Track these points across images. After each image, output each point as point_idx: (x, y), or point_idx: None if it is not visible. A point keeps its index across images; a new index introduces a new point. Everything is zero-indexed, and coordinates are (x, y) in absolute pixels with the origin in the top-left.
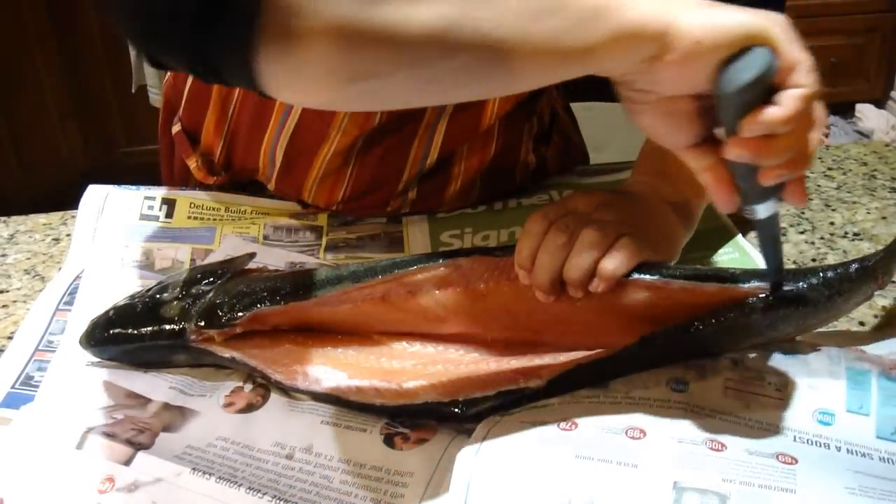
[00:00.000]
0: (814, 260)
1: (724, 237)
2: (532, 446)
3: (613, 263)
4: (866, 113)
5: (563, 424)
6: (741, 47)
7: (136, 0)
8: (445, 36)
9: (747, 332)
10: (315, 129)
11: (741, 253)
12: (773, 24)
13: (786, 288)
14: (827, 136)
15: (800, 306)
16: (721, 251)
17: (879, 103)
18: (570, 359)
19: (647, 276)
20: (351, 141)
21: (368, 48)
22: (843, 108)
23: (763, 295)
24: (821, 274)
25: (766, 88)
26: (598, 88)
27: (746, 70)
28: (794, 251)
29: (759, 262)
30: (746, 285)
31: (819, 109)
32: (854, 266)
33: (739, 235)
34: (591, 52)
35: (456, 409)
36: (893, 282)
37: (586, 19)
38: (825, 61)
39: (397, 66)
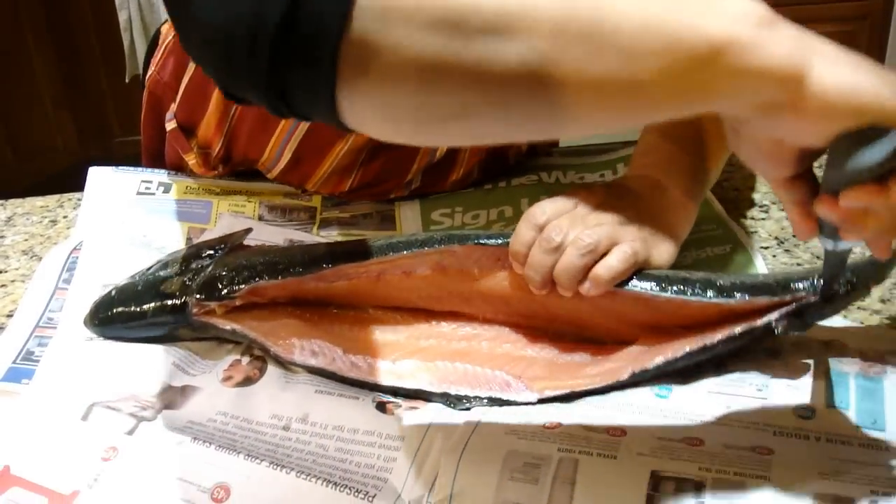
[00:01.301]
0: (794, 235)
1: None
2: (515, 443)
3: (607, 272)
4: None
5: (547, 425)
6: (873, 123)
7: (214, 35)
8: (539, 73)
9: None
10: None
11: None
12: None
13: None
14: None
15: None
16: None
17: None
18: (564, 385)
19: (640, 287)
20: (367, 138)
21: (455, 87)
22: None
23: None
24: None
25: (885, 167)
26: None
27: (871, 151)
28: (776, 228)
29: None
30: (737, 299)
31: None
32: (847, 283)
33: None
34: (706, 95)
35: (446, 401)
36: None
37: (704, 59)
38: None
39: (487, 105)
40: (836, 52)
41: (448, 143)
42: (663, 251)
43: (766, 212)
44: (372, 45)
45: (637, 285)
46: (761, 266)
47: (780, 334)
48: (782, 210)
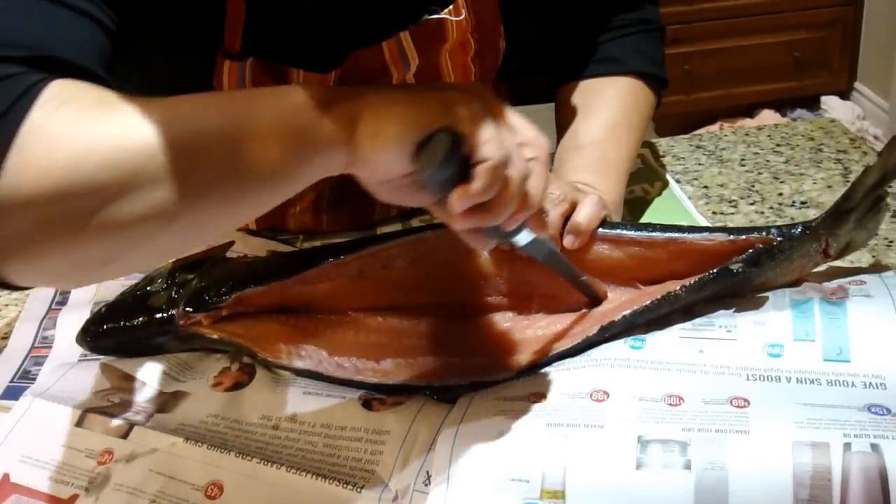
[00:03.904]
0: None
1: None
2: (506, 423)
3: (586, 218)
4: (832, 105)
5: (532, 398)
6: (426, 135)
7: None
8: (161, 216)
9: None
10: None
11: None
12: (447, 105)
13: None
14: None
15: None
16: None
17: (844, 95)
18: (537, 354)
19: (615, 230)
20: (317, 193)
21: (97, 246)
22: (808, 102)
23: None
24: (765, 233)
25: (457, 166)
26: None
27: (430, 158)
28: (745, 220)
29: (687, 205)
30: (703, 236)
31: (518, 166)
32: (798, 225)
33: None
34: (297, 179)
35: (430, 393)
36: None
37: (284, 160)
38: (789, 56)
39: (125, 249)
40: (373, 102)
41: (112, 277)
42: (611, 209)
43: (735, 206)
44: (12, 238)
45: (609, 228)
46: (690, 207)
47: (737, 279)
48: (751, 204)
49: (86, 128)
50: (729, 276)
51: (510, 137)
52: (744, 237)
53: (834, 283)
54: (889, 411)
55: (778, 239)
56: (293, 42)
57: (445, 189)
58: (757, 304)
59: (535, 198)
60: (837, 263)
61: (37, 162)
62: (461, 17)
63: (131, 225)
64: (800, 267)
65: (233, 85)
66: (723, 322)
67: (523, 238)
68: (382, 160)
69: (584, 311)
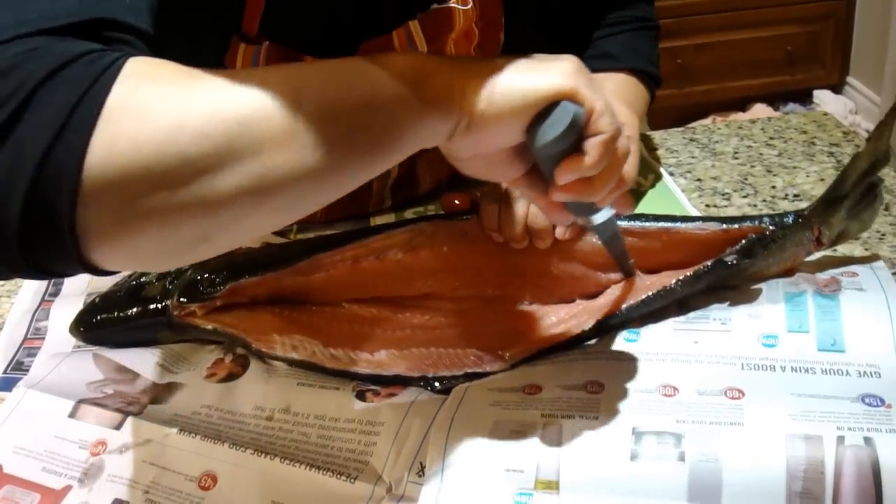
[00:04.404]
0: None
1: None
2: (500, 414)
3: None
4: (824, 99)
5: (527, 389)
6: (545, 105)
7: None
8: (258, 190)
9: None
10: None
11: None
12: (568, 75)
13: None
14: None
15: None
16: None
17: (836, 88)
18: (532, 346)
19: (620, 221)
20: None
21: (191, 225)
22: (801, 96)
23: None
24: (757, 222)
25: (575, 137)
26: None
27: (552, 126)
28: (738, 213)
29: (680, 198)
30: (696, 225)
31: (623, 143)
32: (790, 214)
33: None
34: (399, 150)
35: (424, 384)
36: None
37: (386, 127)
38: (782, 49)
39: (220, 227)
40: (481, 70)
41: (197, 259)
42: None
43: (728, 199)
44: (102, 220)
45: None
46: (683, 200)
47: (731, 271)
48: (744, 197)
49: (176, 99)
50: (723, 268)
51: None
52: (737, 226)
53: (827, 275)
54: (882, 402)
55: (770, 228)
56: (309, 29)
57: (554, 161)
58: (751, 298)
59: (630, 176)
60: (830, 254)
61: (126, 136)
62: (468, 7)
63: (228, 200)
64: (793, 255)
65: (247, 68)
66: (717, 315)
67: (602, 216)
68: (495, 129)
69: (578, 303)
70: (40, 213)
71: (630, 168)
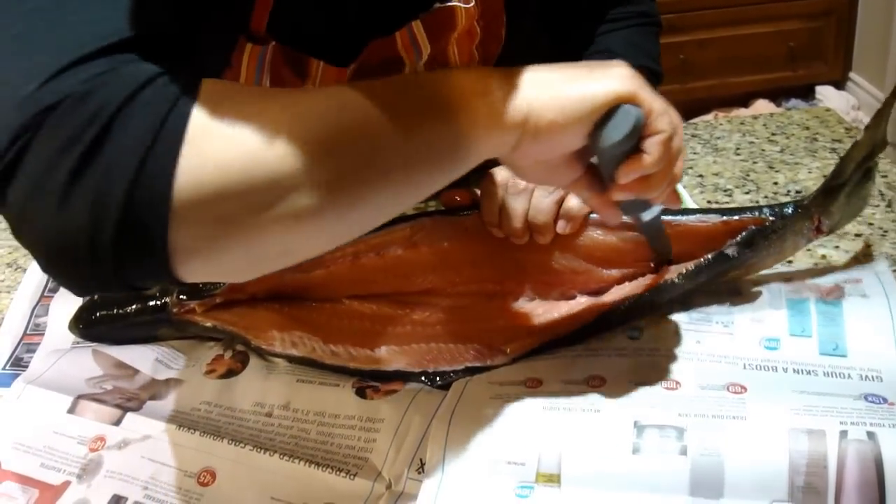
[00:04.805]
0: None
1: None
2: (501, 407)
3: (577, 203)
4: (827, 94)
5: (528, 383)
6: (607, 109)
7: (57, 250)
8: (341, 206)
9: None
10: None
11: None
12: (627, 80)
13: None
14: None
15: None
16: None
17: (839, 84)
18: (534, 341)
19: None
20: None
21: (276, 240)
22: (803, 91)
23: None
24: (757, 213)
25: (636, 139)
26: None
27: (615, 130)
28: None
29: (682, 194)
30: (697, 217)
31: (677, 141)
32: (790, 204)
33: None
34: (465, 163)
35: (425, 379)
36: (834, 233)
37: (454, 143)
38: (784, 45)
39: (303, 241)
40: (542, 80)
41: (280, 268)
42: None
43: (730, 195)
44: (193, 239)
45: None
46: (685, 196)
47: (733, 263)
48: (746, 193)
49: (259, 119)
50: (725, 261)
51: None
52: (737, 218)
53: (830, 282)
54: (885, 400)
55: (770, 219)
56: (314, 31)
57: (616, 162)
58: (753, 302)
59: (680, 173)
60: (834, 255)
61: (214, 157)
62: (470, 5)
63: (312, 215)
64: (793, 245)
65: (252, 68)
66: (720, 318)
67: (652, 212)
68: (560, 137)
69: (579, 298)
70: (133, 234)
71: (681, 164)
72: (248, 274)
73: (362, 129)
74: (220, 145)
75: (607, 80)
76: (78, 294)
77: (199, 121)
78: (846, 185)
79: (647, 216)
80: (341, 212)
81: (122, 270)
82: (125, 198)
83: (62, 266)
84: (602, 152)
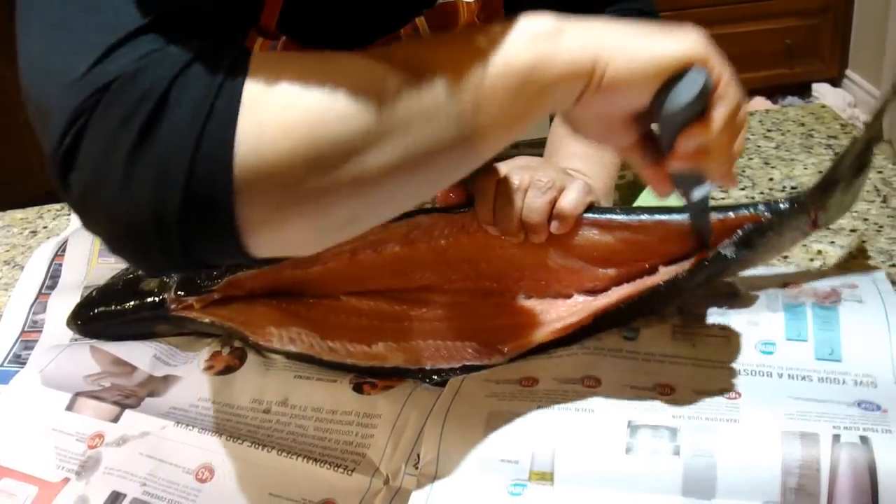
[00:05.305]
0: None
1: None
2: (496, 405)
3: (570, 204)
4: (823, 92)
5: (524, 382)
6: (675, 72)
7: (122, 229)
8: (407, 164)
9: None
10: None
11: None
12: (701, 43)
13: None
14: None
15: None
16: None
17: (835, 82)
18: (530, 341)
19: (600, 214)
20: None
21: (344, 205)
22: (799, 89)
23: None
24: (752, 209)
25: (702, 104)
26: None
27: (683, 93)
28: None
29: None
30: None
31: (742, 115)
32: (787, 201)
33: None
34: (533, 112)
35: (422, 376)
36: (830, 229)
37: (521, 90)
38: (780, 43)
39: (371, 205)
40: (614, 31)
41: (345, 239)
42: (600, 195)
43: (726, 191)
44: (260, 208)
45: (597, 213)
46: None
47: (730, 262)
48: (742, 189)
49: (317, 82)
50: (723, 261)
51: None
52: (732, 215)
53: (827, 287)
54: (879, 408)
55: (766, 215)
56: (323, 29)
57: (677, 128)
58: (750, 305)
59: (741, 150)
60: (829, 251)
61: (274, 123)
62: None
63: (380, 177)
64: (791, 241)
65: None
66: (716, 320)
67: (703, 190)
68: (626, 91)
69: (577, 299)
70: (199, 208)
71: (741, 140)
72: (317, 245)
73: (426, 86)
74: (277, 111)
75: (681, 39)
76: (151, 274)
77: (254, 88)
78: (842, 180)
79: (697, 194)
80: (408, 173)
81: (191, 247)
82: (187, 172)
83: (130, 246)
84: (665, 116)
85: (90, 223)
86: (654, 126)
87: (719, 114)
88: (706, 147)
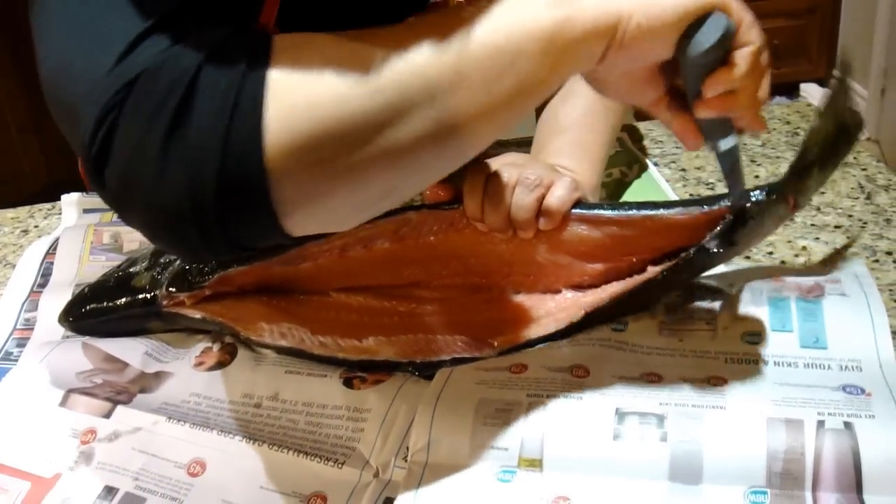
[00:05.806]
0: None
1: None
2: (485, 392)
3: (558, 201)
4: (811, 92)
5: (513, 368)
6: (697, 18)
7: (160, 217)
8: (437, 134)
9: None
10: None
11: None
12: None
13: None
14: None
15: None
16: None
17: (822, 82)
18: (520, 335)
19: (588, 210)
20: None
21: (378, 179)
22: (787, 89)
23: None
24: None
25: (726, 48)
26: None
27: (706, 37)
28: None
29: (665, 188)
30: (679, 210)
31: (766, 57)
32: (764, 189)
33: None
34: (557, 76)
35: (412, 369)
36: (814, 225)
37: (545, 54)
38: (768, 43)
39: (406, 176)
40: None
41: (381, 212)
42: (587, 191)
43: (713, 189)
44: (294, 186)
45: (585, 208)
46: (668, 191)
47: (714, 254)
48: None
49: (340, 60)
50: (707, 255)
51: None
52: (717, 207)
53: (811, 281)
54: (863, 391)
55: (746, 206)
56: (323, 25)
57: (703, 75)
58: (735, 301)
59: (766, 94)
60: (814, 246)
61: (301, 103)
62: None
63: (411, 149)
64: (773, 225)
65: None
66: (702, 315)
67: (730, 141)
68: (650, 43)
69: (565, 293)
70: (234, 191)
71: (766, 83)
72: (354, 220)
73: (451, 57)
74: (305, 90)
75: None
76: (191, 262)
77: (280, 70)
78: (816, 164)
79: (725, 144)
80: (439, 143)
81: (230, 231)
82: (220, 157)
83: (171, 235)
84: (690, 63)
85: (128, 216)
86: (678, 81)
87: (743, 56)
88: (732, 91)
